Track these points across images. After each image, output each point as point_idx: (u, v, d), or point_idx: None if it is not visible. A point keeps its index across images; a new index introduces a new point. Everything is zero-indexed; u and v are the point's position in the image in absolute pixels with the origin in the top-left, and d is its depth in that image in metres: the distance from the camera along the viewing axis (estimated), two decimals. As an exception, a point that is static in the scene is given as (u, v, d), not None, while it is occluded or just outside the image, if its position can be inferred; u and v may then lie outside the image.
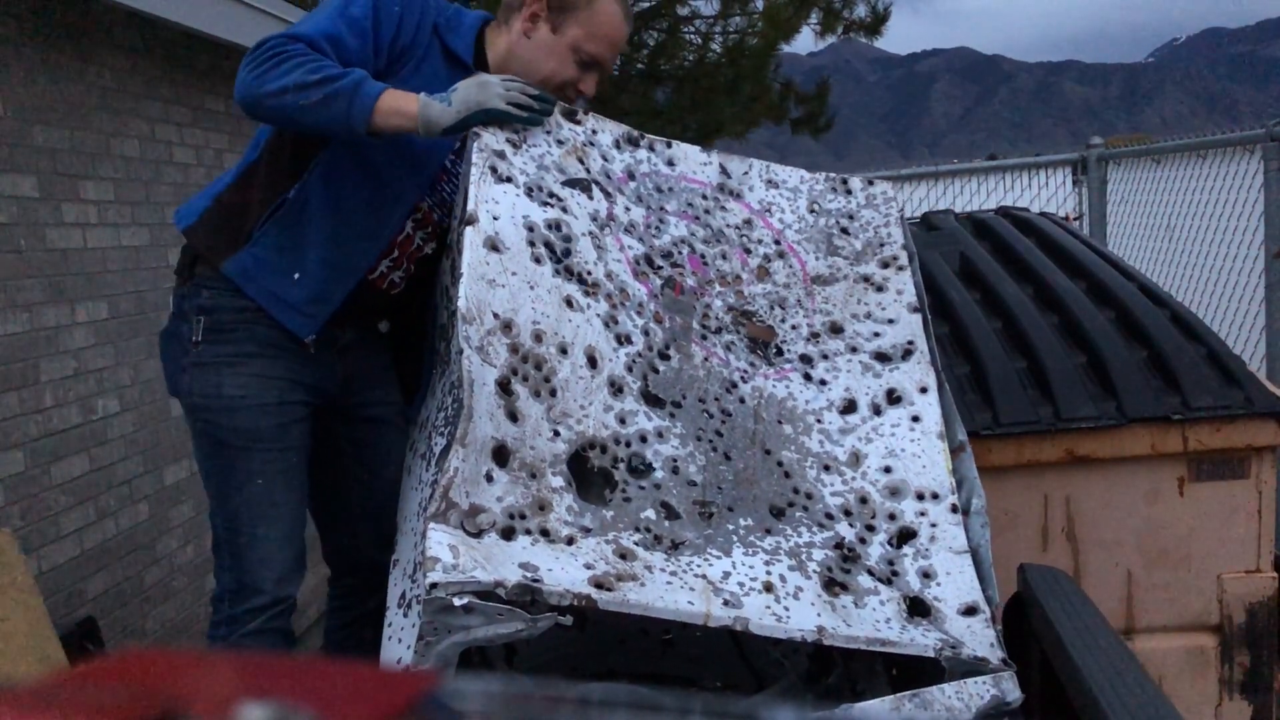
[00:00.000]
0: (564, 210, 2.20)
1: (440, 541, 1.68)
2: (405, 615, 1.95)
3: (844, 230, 2.53)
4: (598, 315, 2.10)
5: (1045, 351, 2.80)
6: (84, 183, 3.89)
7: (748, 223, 2.49)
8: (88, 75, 3.93)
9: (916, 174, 6.95)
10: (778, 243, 2.48)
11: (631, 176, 2.41)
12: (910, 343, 2.28)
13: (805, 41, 11.00)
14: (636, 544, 1.85)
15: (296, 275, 2.22)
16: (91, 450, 3.85)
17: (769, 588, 1.84)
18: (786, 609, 1.80)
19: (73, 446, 3.75)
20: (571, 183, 2.26)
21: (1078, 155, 6.46)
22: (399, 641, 1.92)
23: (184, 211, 2.34)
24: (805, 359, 2.29)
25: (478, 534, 1.75)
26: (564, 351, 2.02)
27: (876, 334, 2.32)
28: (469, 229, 2.05)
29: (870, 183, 2.66)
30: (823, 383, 2.25)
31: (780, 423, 2.17)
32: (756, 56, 10.05)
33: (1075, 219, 5.93)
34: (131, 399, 4.09)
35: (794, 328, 2.34)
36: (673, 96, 10.32)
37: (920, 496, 2.05)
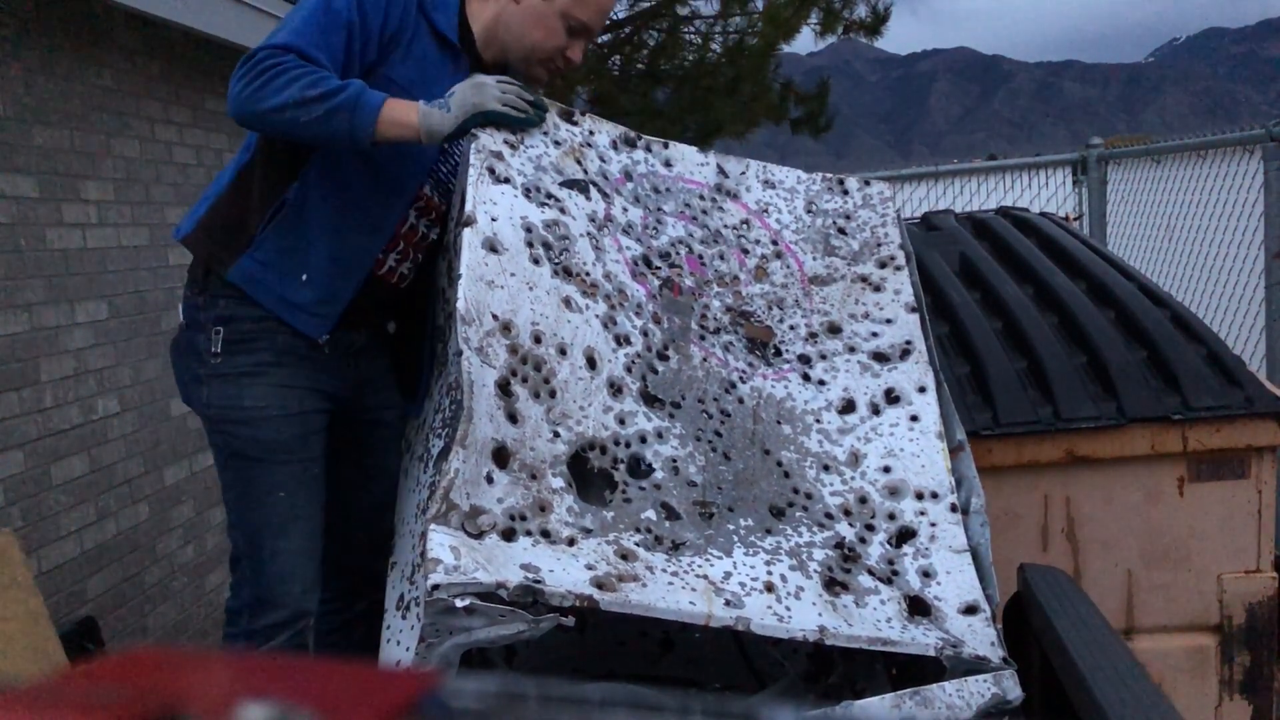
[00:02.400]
0: (562, 211, 2.20)
1: (441, 543, 1.68)
2: (404, 618, 1.95)
3: (841, 230, 2.53)
4: (596, 316, 2.10)
5: (1045, 351, 2.80)
6: (84, 183, 3.89)
7: (745, 223, 2.49)
8: (88, 75, 3.93)
9: (916, 174, 6.95)
10: (775, 243, 2.48)
11: (629, 177, 2.41)
12: (908, 342, 2.29)
13: (805, 41, 11.00)
14: (637, 545, 1.86)
15: (304, 276, 2.19)
16: (91, 450, 3.85)
17: (770, 588, 1.84)
18: (788, 609, 1.80)
19: (73, 446, 3.75)
20: (569, 184, 2.26)
21: (1078, 155, 6.46)
22: (398, 644, 1.92)
23: (184, 222, 2.31)
24: (804, 359, 2.29)
25: (478, 535, 1.75)
26: (563, 352, 2.02)
27: (874, 334, 2.32)
28: (467, 230, 2.05)
29: (867, 183, 2.66)
30: (821, 383, 2.26)
31: (779, 423, 2.17)
32: (756, 56, 10.05)
33: (1075, 219, 5.93)
34: (131, 399, 4.09)
35: (792, 328, 2.34)
36: (673, 96, 10.31)
37: (920, 496, 2.05)
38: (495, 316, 1.98)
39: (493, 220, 2.09)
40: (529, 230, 2.12)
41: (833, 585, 1.89)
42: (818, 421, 2.19)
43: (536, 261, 2.09)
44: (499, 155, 2.19)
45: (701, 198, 2.49)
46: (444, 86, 2.16)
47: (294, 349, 2.21)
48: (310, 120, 2.00)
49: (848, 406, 2.21)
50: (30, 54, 3.62)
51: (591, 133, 2.41)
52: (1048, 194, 6.47)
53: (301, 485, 2.22)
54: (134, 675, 0.50)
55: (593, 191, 2.30)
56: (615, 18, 10.67)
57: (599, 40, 10.72)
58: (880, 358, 2.28)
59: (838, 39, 10.87)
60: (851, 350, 2.30)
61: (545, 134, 2.30)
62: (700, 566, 1.85)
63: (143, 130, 4.27)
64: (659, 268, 2.31)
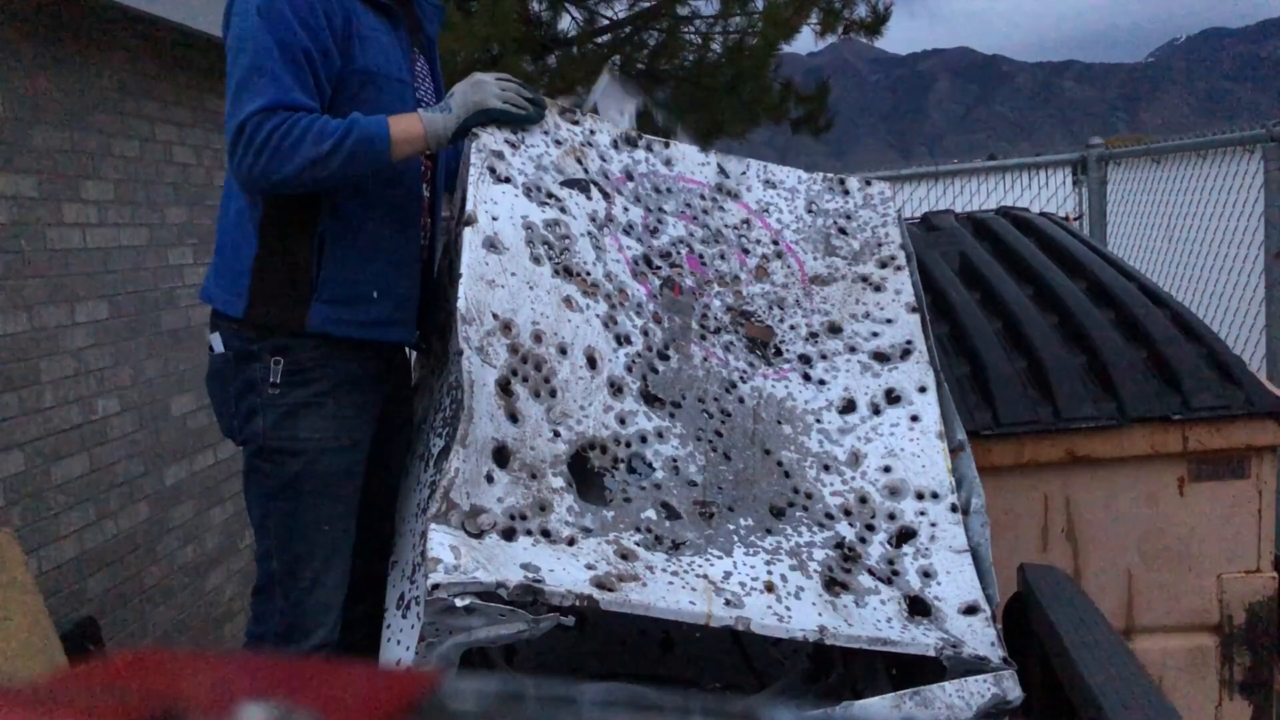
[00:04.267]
0: (563, 210, 2.20)
1: (441, 542, 1.68)
2: (404, 617, 1.95)
3: (842, 230, 2.53)
4: (597, 315, 2.10)
5: (1045, 352, 2.80)
6: (84, 183, 3.89)
7: (746, 223, 2.49)
8: (88, 75, 3.93)
9: (916, 174, 6.94)
10: (776, 243, 2.48)
11: (630, 177, 2.41)
12: (909, 342, 2.28)
13: (805, 41, 10.99)
14: (638, 544, 1.85)
15: (374, 293, 2.18)
16: (91, 450, 3.85)
17: (770, 587, 1.84)
18: (788, 609, 1.80)
19: (73, 446, 3.75)
20: (570, 183, 2.26)
21: (1078, 155, 6.45)
22: (398, 643, 1.92)
23: (222, 294, 2.22)
24: (804, 359, 2.29)
25: (479, 535, 1.75)
26: (563, 352, 2.02)
27: (875, 334, 2.32)
28: (468, 229, 2.05)
29: (868, 183, 2.66)
30: (822, 382, 2.25)
31: (779, 423, 2.17)
32: (756, 56, 10.04)
33: (1075, 219, 5.93)
34: (131, 399, 4.09)
35: (792, 328, 2.34)
36: (673, 97, 10.31)
37: (920, 496, 2.05)
38: (496, 316, 1.98)
39: (493, 219, 2.09)
40: (530, 229, 2.12)
41: (833, 585, 1.89)
42: (818, 421, 2.19)
43: (537, 261, 2.09)
44: (500, 154, 2.19)
45: (702, 197, 2.49)
46: (400, 55, 2.20)
47: (349, 376, 2.19)
48: (330, 173, 2.02)
49: (848, 406, 2.21)
50: (30, 54, 3.62)
51: (592, 132, 2.41)
52: (1048, 194, 6.46)
53: (345, 517, 2.20)
54: (134, 675, 0.50)
55: (594, 191, 2.30)
56: (615, 18, 10.67)
57: (599, 40, 10.72)
58: (881, 358, 2.28)
59: (838, 39, 10.85)
60: (852, 350, 2.30)
61: (546, 133, 2.30)
62: (700, 566, 1.85)
63: (143, 130, 4.27)
64: (660, 267, 2.31)
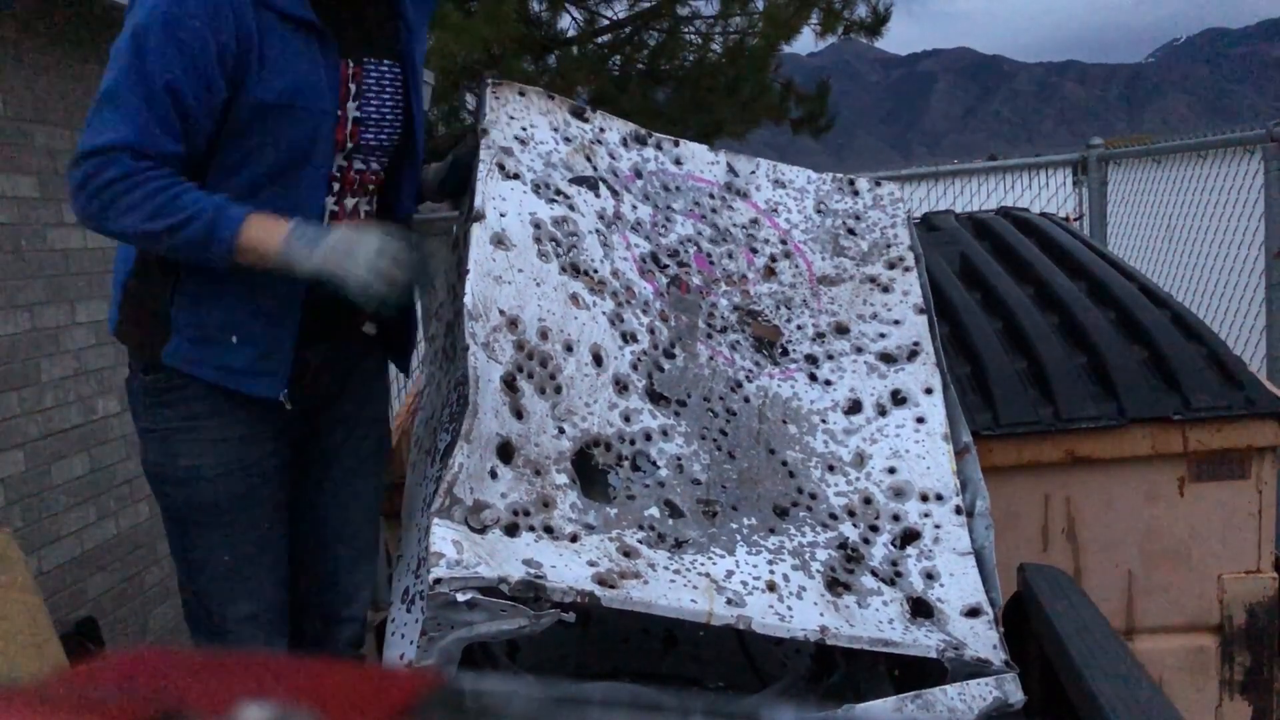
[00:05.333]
0: (571, 208, 2.20)
1: (444, 537, 1.68)
2: (409, 611, 1.95)
3: (850, 231, 2.53)
4: (603, 313, 2.11)
5: (1045, 352, 2.80)
6: (84, 183, 3.88)
7: (754, 222, 2.50)
8: (88, 75, 3.93)
9: (916, 174, 6.94)
10: (784, 242, 2.49)
11: (639, 175, 2.41)
12: (916, 344, 2.28)
13: (805, 42, 11.00)
14: (640, 542, 1.85)
15: (234, 338, 1.97)
16: (91, 450, 3.85)
17: (772, 587, 1.84)
18: (790, 608, 1.80)
19: (73, 446, 3.75)
20: (578, 180, 2.26)
21: (1078, 156, 6.45)
22: (402, 637, 1.93)
23: (111, 311, 2.11)
24: (810, 359, 2.29)
25: (482, 530, 1.75)
26: (569, 349, 2.02)
27: (882, 335, 2.32)
28: (475, 225, 2.05)
29: (877, 184, 2.67)
30: (828, 383, 2.25)
31: (785, 422, 2.17)
32: (757, 57, 10.05)
33: (1075, 219, 5.92)
34: (131, 399, 4.09)
35: (799, 328, 2.34)
36: (673, 97, 10.32)
37: (924, 498, 2.05)
38: (502, 312, 1.98)
39: (501, 216, 2.09)
40: (537, 226, 2.12)
41: (835, 585, 1.89)
42: (823, 422, 2.19)
43: (544, 258, 2.09)
44: (509, 151, 2.20)
45: (711, 196, 2.49)
46: (322, 78, 1.93)
47: (224, 405, 2.00)
48: (162, 248, 1.88)
49: (854, 407, 2.21)
50: (30, 54, 3.62)
51: (602, 130, 2.41)
52: (1048, 194, 6.46)
53: (249, 544, 2.03)
54: (134, 675, 0.50)
55: (602, 188, 2.30)
56: (615, 18, 10.68)
57: (599, 40, 10.73)
58: (887, 359, 2.28)
59: (838, 39, 10.87)
60: (859, 351, 2.30)
61: (555, 130, 2.31)
62: (702, 564, 1.85)
63: (143, 130, 4.26)
64: (667, 265, 2.31)
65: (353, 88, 2.01)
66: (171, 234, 1.82)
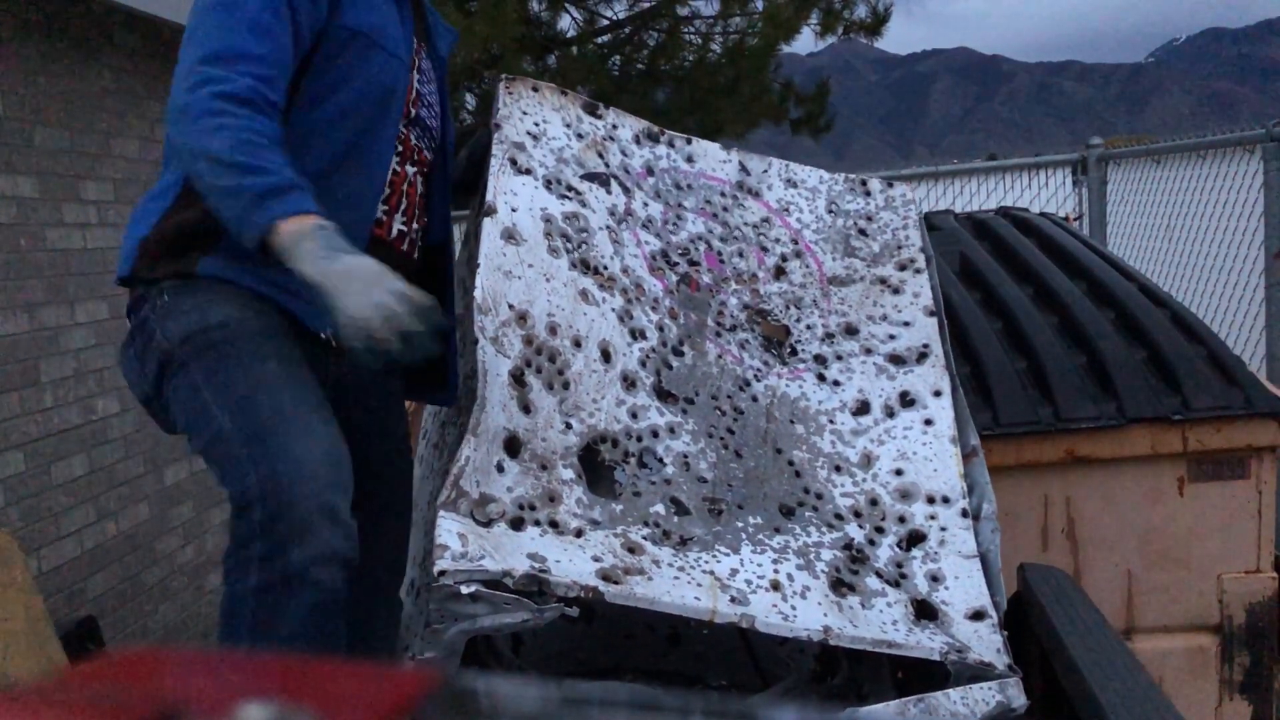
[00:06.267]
0: (582, 204, 2.21)
1: (450, 529, 1.68)
2: (414, 603, 1.96)
3: (862, 232, 2.53)
4: (613, 309, 2.11)
5: (1045, 352, 2.80)
6: (84, 183, 3.89)
7: (765, 221, 2.50)
8: (88, 75, 3.93)
9: (916, 174, 6.94)
10: (795, 242, 2.49)
11: (650, 172, 2.42)
12: (925, 346, 2.28)
13: (805, 42, 11.01)
14: (645, 538, 1.85)
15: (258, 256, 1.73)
16: (91, 450, 3.85)
17: (776, 586, 1.84)
18: (793, 608, 1.80)
19: (73, 446, 3.75)
20: (590, 176, 2.27)
21: (1078, 155, 6.45)
22: (406, 629, 1.93)
23: (127, 247, 1.90)
24: (819, 359, 2.29)
25: (487, 523, 1.75)
26: (578, 345, 2.02)
27: (892, 336, 2.32)
28: (487, 220, 2.06)
29: (890, 185, 2.67)
30: (836, 383, 2.25)
31: (792, 422, 2.17)
32: (756, 57, 10.05)
33: (1075, 219, 5.93)
34: (131, 399, 4.08)
35: (809, 328, 2.34)
36: (673, 97, 10.32)
37: (931, 500, 2.05)
38: (512, 306, 1.98)
39: (513, 211, 2.10)
40: (548, 222, 2.13)
41: (839, 586, 1.88)
42: (831, 422, 2.19)
43: (555, 253, 2.10)
44: (521, 146, 2.20)
45: (723, 194, 2.49)
46: (399, 29, 1.94)
47: (261, 306, 1.80)
48: (217, 183, 1.70)
49: (862, 408, 2.21)
50: (30, 54, 3.62)
51: (615, 126, 2.42)
52: (1048, 194, 6.46)
53: (307, 394, 1.75)
54: (134, 675, 0.50)
55: (614, 185, 2.30)
56: (615, 18, 10.68)
57: (599, 40, 10.73)
58: (896, 360, 2.28)
59: (838, 39, 10.87)
60: (868, 352, 2.30)
61: (568, 126, 2.31)
62: (707, 562, 1.85)
63: (143, 130, 4.27)
64: (677, 263, 2.31)
65: (416, 60, 2.03)
66: (239, 171, 1.67)
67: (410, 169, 2.01)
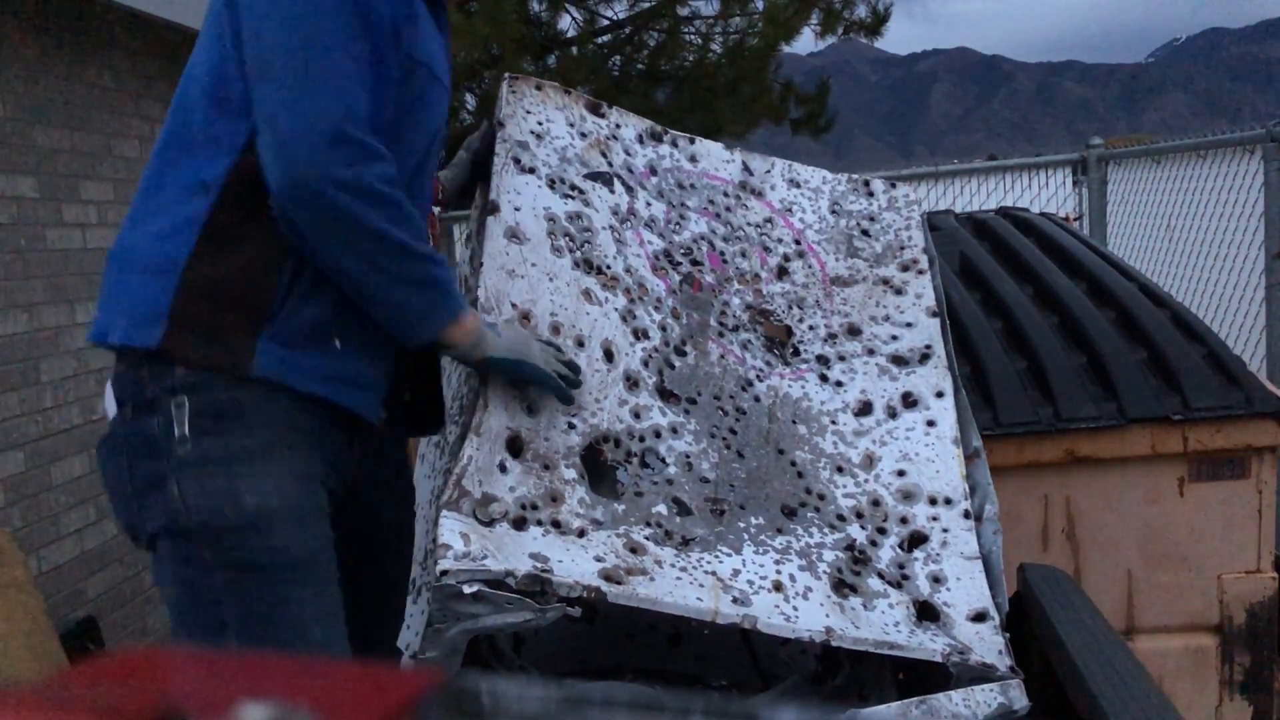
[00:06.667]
0: (585, 203, 2.21)
1: (452, 529, 1.68)
2: (415, 602, 1.96)
3: (865, 232, 2.54)
4: (615, 309, 2.11)
5: (1045, 352, 2.80)
6: (84, 183, 3.89)
7: (768, 221, 2.51)
8: (88, 75, 3.93)
9: (916, 174, 6.94)
10: (798, 242, 2.49)
11: (654, 171, 2.42)
12: (928, 347, 2.28)
13: (805, 42, 11.00)
14: (647, 538, 1.85)
15: (337, 342, 1.58)
16: (91, 450, 3.84)
17: (778, 587, 1.84)
18: (795, 609, 1.80)
19: (73, 446, 3.75)
20: (593, 176, 2.27)
21: (1078, 155, 6.45)
22: (407, 628, 1.93)
23: (122, 321, 1.56)
24: (822, 360, 2.30)
25: (489, 523, 1.75)
26: (580, 344, 2.02)
27: (894, 337, 2.32)
28: (490, 218, 2.06)
29: (893, 185, 2.68)
30: (839, 384, 2.26)
31: (795, 423, 2.17)
32: (757, 57, 10.06)
33: (1075, 219, 5.93)
34: (131, 399, 4.10)
35: (811, 328, 2.35)
36: (673, 97, 10.32)
37: (933, 501, 2.05)
38: (514, 305, 1.99)
39: (516, 210, 2.10)
40: (551, 221, 2.13)
41: (841, 587, 1.88)
42: (833, 423, 2.19)
43: (558, 252, 2.10)
44: (524, 145, 2.21)
45: (726, 194, 2.50)
46: (443, 54, 1.75)
47: (298, 422, 1.56)
48: (386, 277, 1.53)
49: (864, 409, 2.21)
50: (30, 54, 3.62)
51: (618, 125, 2.42)
52: (1048, 194, 6.46)
53: (337, 611, 1.59)
54: (134, 675, 0.50)
55: (617, 185, 2.31)
56: (615, 18, 10.68)
57: (599, 40, 10.73)
58: (899, 361, 2.28)
59: (838, 39, 10.88)
60: (870, 353, 2.30)
61: (571, 125, 2.31)
62: (709, 563, 1.85)
63: (143, 130, 4.27)
64: (680, 263, 2.32)
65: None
66: (422, 262, 1.56)
67: (436, 208, 2.02)
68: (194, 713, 0.43)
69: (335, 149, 1.48)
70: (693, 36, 10.69)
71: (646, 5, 10.52)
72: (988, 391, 2.74)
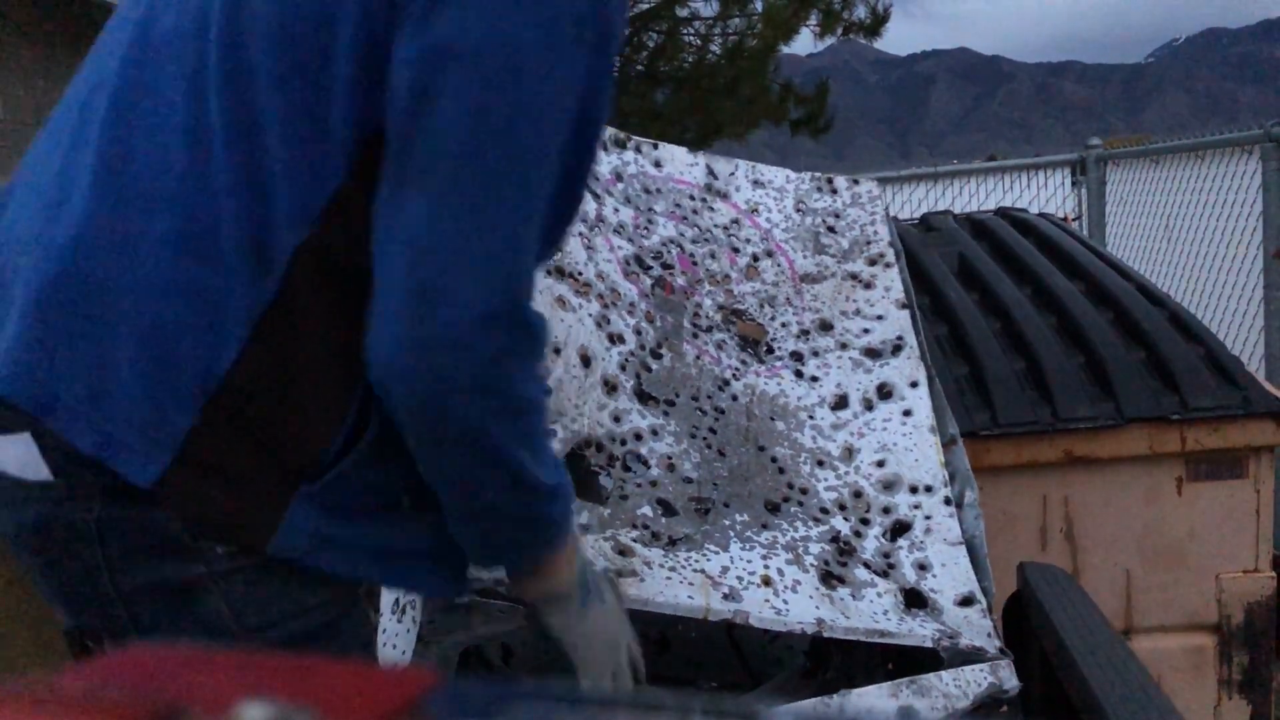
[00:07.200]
0: None
1: None
2: (399, 621, 1.95)
3: (830, 229, 2.57)
4: (589, 315, 2.12)
5: (1044, 352, 2.80)
6: (83, 184, 3.89)
7: (735, 222, 2.53)
8: (87, 76, 3.94)
9: (916, 175, 6.95)
10: (765, 241, 2.51)
11: (619, 178, 2.43)
12: (899, 338, 2.31)
13: (805, 42, 11.03)
14: (635, 540, 1.86)
15: (405, 499, 1.20)
16: (91, 451, 3.85)
17: (767, 581, 1.85)
18: (785, 602, 1.81)
19: (72, 447, 3.75)
20: None
21: (1077, 156, 6.46)
22: (393, 648, 1.92)
23: (96, 418, 1.06)
24: (796, 356, 2.32)
25: None
26: (557, 351, 2.03)
27: (866, 330, 2.35)
28: None
29: (855, 182, 2.72)
30: (814, 379, 2.28)
31: (773, 419, 2.18)
32: (756, 57, 10.07)
33: (1074, 220, 5.93)
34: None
35: (784, 325, 2.37)
36: (672, 98, 10.33)
37: (914, 489, 2.07)
38: None
39: None
40: None
41: (829, 579, 1.90)
42: (811, 417, 2.21)
43: None
44: None
45: (692, 198, 2.52)
46: None
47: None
48: (485, 502, 1.16)
49: (840, 402, 2.23)
50: (30, 54, 3.62)
51: None
52: (1047, 195, 6.47)
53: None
54: (134, 675, 0.50)
55: None
56: (614, 18, 10.68)
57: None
58: (872, 353, 2.30)
59: (837, 40, 10.89)
60: (843, 347, 2.33)
61: None
62: (697, 561, 1.86)
63: (142, 131, 4.27)
64: (651, 267, 2.33)
65: None
66: (545, 499, 1.19)
67: None
68: (194, 713, 0.43)
69: (493, 330, 1.05)
70: (692, 37, 10.70)
71: (645, 6, 10.53)
72: (986, 392, 2.74)
